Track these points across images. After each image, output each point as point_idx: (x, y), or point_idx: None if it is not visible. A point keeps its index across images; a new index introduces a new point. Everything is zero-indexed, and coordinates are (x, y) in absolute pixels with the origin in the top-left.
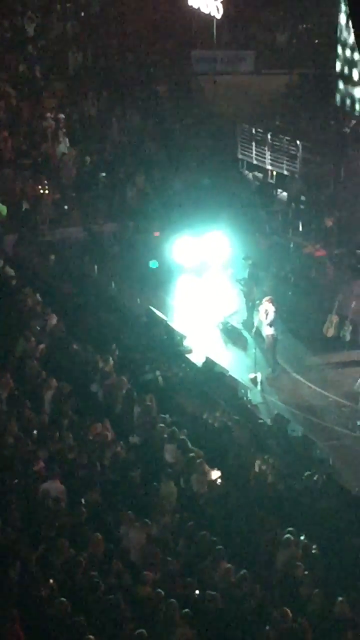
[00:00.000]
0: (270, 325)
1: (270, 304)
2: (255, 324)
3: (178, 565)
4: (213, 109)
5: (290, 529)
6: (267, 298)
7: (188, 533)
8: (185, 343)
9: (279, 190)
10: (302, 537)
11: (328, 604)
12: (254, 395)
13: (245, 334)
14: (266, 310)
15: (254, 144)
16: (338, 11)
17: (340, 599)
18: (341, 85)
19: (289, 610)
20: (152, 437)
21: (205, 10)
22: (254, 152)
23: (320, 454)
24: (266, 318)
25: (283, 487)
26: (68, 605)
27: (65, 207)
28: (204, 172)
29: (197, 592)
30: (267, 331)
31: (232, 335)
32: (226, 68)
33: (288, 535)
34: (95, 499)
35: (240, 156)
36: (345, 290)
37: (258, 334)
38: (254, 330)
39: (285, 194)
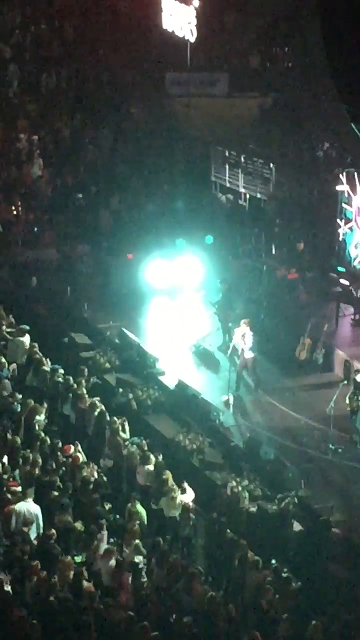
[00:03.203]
0: (251, 349)
1: (248, 327)
2: (231, 347)
3: (150, 587)
4: (186, 131)
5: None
6: (244, 321)
7: (160, 555)
8: (158, 365)
9: (252, 213)
10: (273, 561)
11: (299, 628)
12: (227, 418)
13: (218, 356)
14: (244, 333)
15: (227, 166)
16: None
17: (314, 622)
18: None
19: (258, 634)
20: (124, 460)
21: (179, 33)
22: (227, 174)
23: (293, 477)
24: (244, 342)
25: (255, 510)
26: (40, 628)
27: (36, 229)
28: (177, 194)
29: (171, 615)
30: (248, 355)
31: (204, 357)
32: (200, 91)
33: (257, 558)
34: (66, 521)
35: (213, 179)
36: (318, 314)
37: (232, 356)
38: (229, 352)
39: (258, 216)
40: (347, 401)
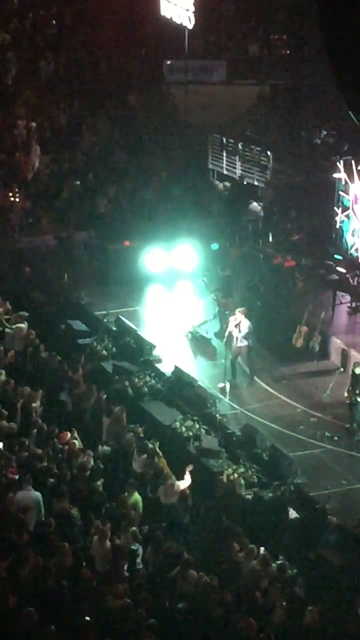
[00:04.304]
0: (245, 337)
1: (243, 316)
2: (226, 334)
3: (145, 575)
4: (184, 118)
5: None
6: (240, 309)
7: (155, 542)
8: (155, 352)
9: (250, 201)
10: (262, 549)
11: (295, 615)
12: (223, 405)
13: (215, 343)
14: (239, 321)
15: (224, 153)
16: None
17: (310, 608)
18: None
19: (254, 621)
20: (122, 447)
21: (177, 20)
22: (224, 162)
23: (289, 464)
24: (239, 331)
25: (251, 497)
26: (35, 615)
27: (35, 215)
28: (175, 181)
29: (166, 603)
30: (241, 343)
31: (201, 344)
32: (198, 78)
33: (252, 546)
34: (63, 508)
35: (211, 166)
36: (314, 301)
37: (228, 344)
38: (224, 340)
39: (255, 204)
40: (346, 394)
